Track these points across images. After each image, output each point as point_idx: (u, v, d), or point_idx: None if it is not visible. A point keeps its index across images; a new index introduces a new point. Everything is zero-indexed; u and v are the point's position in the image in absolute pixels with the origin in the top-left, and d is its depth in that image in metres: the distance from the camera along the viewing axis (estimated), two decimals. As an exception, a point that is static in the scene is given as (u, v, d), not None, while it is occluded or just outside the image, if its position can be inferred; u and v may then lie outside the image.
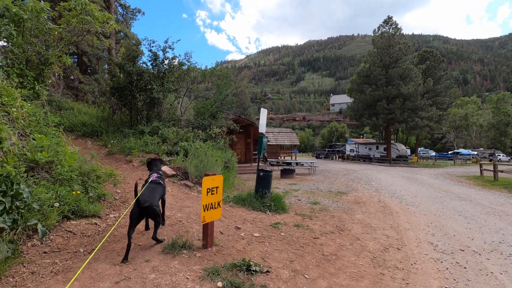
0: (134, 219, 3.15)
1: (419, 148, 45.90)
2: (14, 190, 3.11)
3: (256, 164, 22.23)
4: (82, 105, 15.37)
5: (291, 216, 6.09)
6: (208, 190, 3.51)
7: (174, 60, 11.72)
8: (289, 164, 18.69)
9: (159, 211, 3.38)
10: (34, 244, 3.29)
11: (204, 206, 3.44)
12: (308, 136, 76.37)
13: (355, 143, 40.27)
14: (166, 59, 11.09)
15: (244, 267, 3.11)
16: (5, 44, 6.01)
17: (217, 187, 3.65)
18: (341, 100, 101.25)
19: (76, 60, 26.81)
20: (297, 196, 9.09)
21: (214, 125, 11.81)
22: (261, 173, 6.49)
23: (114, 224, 4.14)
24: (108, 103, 12.63)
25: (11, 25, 5.62)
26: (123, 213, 4.55)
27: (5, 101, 4.59)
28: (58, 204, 3.63)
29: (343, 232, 5.12)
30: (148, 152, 8.65)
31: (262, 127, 6.72)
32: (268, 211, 6.10)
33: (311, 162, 19.30)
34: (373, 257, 4.02)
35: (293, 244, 4.19)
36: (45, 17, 6.29)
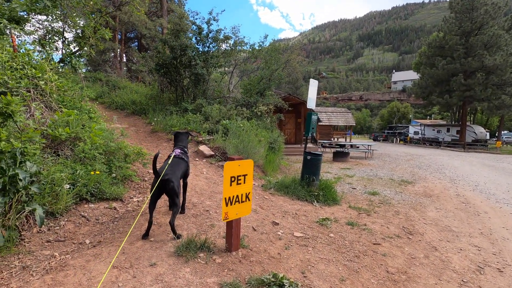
0: (153, 194, 2.79)
1: (503, 132, 38.83)
2: (15, 171, 2.70)
3: (308, 145, 21.21)
4: (136, 84, 15.91)
5: (343, 209, 5.03)
6: (233, 179, 2.68)
7: (219, 34, 10.97)
8: (342, 146, 17.03)
9: (178, 189, 2.92)
10: (40, 231, 2.91)
11: (227, 199, 2.64)
12: (365, 117, 70.89)
13: (420, 124, 35.71)
14: (210, 32, 10.38)
15: (275, 286, 2.27)
16: (41, 17, 5.87)
17: (245, 175, 2.80)
18: (405, 77, 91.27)
19: (136, 44, 28.09)
20: (351, 184, 7.86)
21: (260, 103, 10.94)
22: (309, 157, 5.47)
23: (133, 210, 3.66)
24: (157, 82, 12.62)
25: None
26: (148, 197, 4.05)
27: (33, 72, 4.32)
28: (68, 186, 3.21)
29: (413, 237, 3.92)
30: (190, 130, 8.24)
31: (311, 102, 5.62)
32: (315, 201, 5.13)
33: (368, 145, 17.33)
34: (463, 282, 2.83)
35: (345, 252, 3.20)
36: None
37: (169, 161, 3.12)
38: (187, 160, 3.42)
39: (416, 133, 35.37)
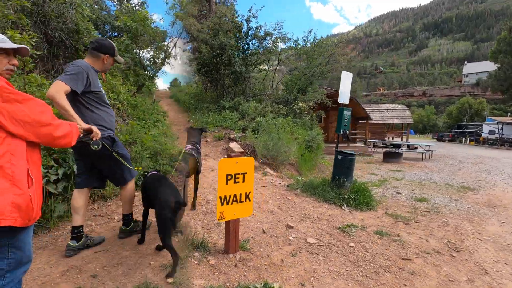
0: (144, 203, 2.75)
1: None
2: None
3: (354, 144, 19.78)
4: (187, 85, 16.82)
5: (377, 215, 4.47)
6: (229, 177, 2.50)
7: (259, 30, 10.88)
8: (396, 146, 15.46)
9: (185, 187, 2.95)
10: (92, 208, 3.48)
11: (222, 198, 2.47)
12: (428, 115, 63.97)
13: (497, 122, 30.78)
14: (250, 30, 10.35)
15: None
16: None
17: (244, 174, 2.59)
18: (479, 68, 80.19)
19: (190, 47, 29.73)
20: (396, 188, 7.05)
21: (299, 100, 10.53)
22: (339, 157, 4.99)
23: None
24: (201, 81, 13.09)
25: (126, 36, 6.79)
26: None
27: (110, 96, 5.06)
28: None
29: (457, 255, 3.26)
30: (225, 128, 8.32)
31: (343, 96, 5.12)
32: (344, 205, 4.66)
33: (426, 145, 15.49)
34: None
35: (362, 266, 2.77)
36: (149, 24, 7.52)
37: (179, 157, 3.15)
38: (196, 156, 3.36)
39: (491, 132, 30.57)
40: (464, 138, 32.68)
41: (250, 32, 10.27)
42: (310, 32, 12.72)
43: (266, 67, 14.52)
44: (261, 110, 8.79)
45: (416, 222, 4.31)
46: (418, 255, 3.15)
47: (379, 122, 24.62)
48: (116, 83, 5.86)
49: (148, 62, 8.62)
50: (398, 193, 6.43)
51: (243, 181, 2.60)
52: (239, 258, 2.57)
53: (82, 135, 1.99)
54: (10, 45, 1.48)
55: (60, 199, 3.15)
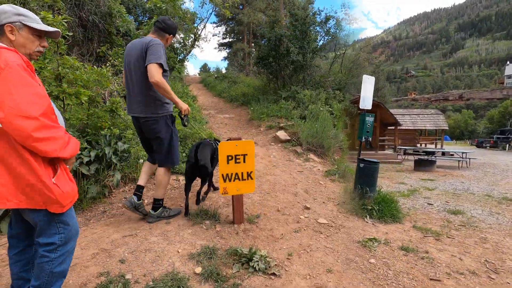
0: (187, 176, 2.87)
1: None
2: (110, 147, 3.30)
3: (383, 151, 17.66)
4: (251, 78, 16.20)
5: (404, 229, 3.90)
6: (230, 157, 2.59)
7: (317, 15, 9.93)
8: (429, 153, 13.66)
9: (209, 170, 2.85)
10: (124, 191, 3.54)
11: (224, 175, 2.60)
12: (466, 119, 56.24)
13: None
14: (306, 17, 9.50)
15: (244, 259, 2.13)
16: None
17: (244, 155, 2.64)
18: (526, 70, 67.36)
19: (264, 41, 28.33)
20: (428, 198, 6.26)
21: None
22: (362, 165, 4.31)
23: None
24: (264, 74, 12.54)
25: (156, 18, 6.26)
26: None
27: None
28: (142, 160, 3.70)
29: (497, 277, 2.83)
30: (280, 117, 7.97)
31: (365, 101, 4.48)
32: (367, 216, 4.23)
33: (463, 152, 13.62)
34: None
35: (383, 285, 2.42)
36: (178, 4, 6.78)
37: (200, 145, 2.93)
38: (215, 146, 3.11)
39: (540, 138, 25.89)
40: (508, 145, 28.11)
41: (307, 19, 9.42)
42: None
43: (333, 53, 12.60)
44: (315, 97, 8.30)
45: (449, 237, 3.79)
46: (450, 275, 2.73)
47: (410, 128, 22.06)
48: None
49: (177, 45, 7.69)
50: (430, 204, 5.75)
51: (244, 162, 2.65)
52: (243, 229, 2.65)
53: (183, 115, 2.32)
54: (44, 27, 1.34)
55: (93, 180, 3.05)
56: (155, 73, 2.10)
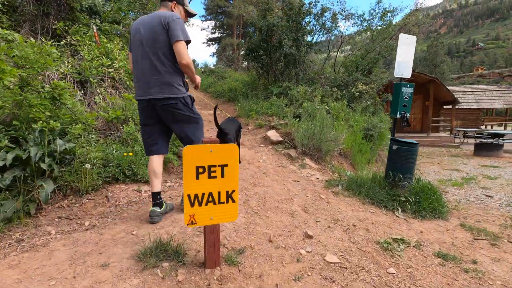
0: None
1: None
2: (41, 146, 2.69)
3: (437, 134, 16.75)
4: (240, 73, 16.34)
5: (446, 227, 3.19)
6: (200, 170, 1.79)
7: (313, 5, 9.53)
8: (495, 136, 12.10)
9: (234, 141, 3.54)
10: (61, 206, 2.90)
11: (192, 197, 1.81)
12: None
13: None
14: (302, 6, 9.09)
15: None
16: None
17: (223, 166, 1.86)
18: None
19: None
20: (487, 189, 5.30)
21: (360, 82, 8.96)
22: (395, 147, 3.75)
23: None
24: (254, 68, 12.41)
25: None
26: (177, 182, 3.58)
27: (103, 62, 4.53)
28: (89, 166, 3.04)
29: None
30: (270, 115, 7.52)
31: (401, 68, 3.80)
32: (398, 210, 3.46)
33: None
34: None
35: None
36: None
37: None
38: (239, 122, 4.06)
39: None
40: None
41: (303, 9, 9.03)
42: (378, 2, 10.69)
43: (327, 49, 13.03)
44: (310, 94, 7.66)
45: (511, 242, 2.89)
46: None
47: (474, 107, 20.24)
48: (114, 48, 4.82)
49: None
50: (489, 196, 4.78)
51: (222, 176, 1.87)
52: (218, 276, 1.91)
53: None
54: None
55: (10, 194, 2.47)
56: (186, 52, 2.17)
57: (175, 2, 2.40)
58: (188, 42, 2.20)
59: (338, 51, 13.49)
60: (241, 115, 8.03)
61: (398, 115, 3.83)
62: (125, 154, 3.44)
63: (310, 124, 5.53)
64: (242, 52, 15.38)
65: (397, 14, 10.35)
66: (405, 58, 3.76)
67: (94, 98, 4.09)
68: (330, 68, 13.57)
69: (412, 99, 3.90)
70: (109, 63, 4.58)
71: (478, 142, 11.44)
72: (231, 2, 22.80)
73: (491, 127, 23.14)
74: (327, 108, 7.06)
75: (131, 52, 2.38)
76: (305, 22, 9.35)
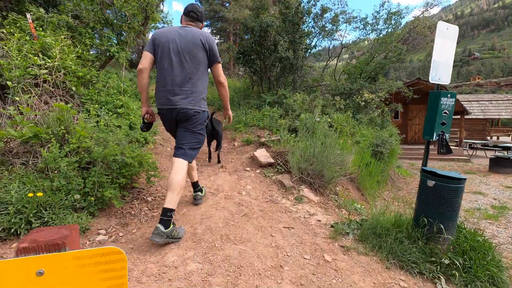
0: (209, 140, 4.50)
1: None
2: None
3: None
4: (236, 80, 15.34)
5: None
6: None
7: (313, 5, 8.59)
8: (507, 149, 11.11)
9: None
10: None
11: None
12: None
13: None
14: (300, 4, 8.13)
15: None
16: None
17: None
18: None
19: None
20: None
21: (365, 90, 7.93)
22: (431, 183, 2.59)
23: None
24: (247, 74, 11.42)
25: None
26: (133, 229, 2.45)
27: (34, 61, 3.42)
28: None
29: None
30: (262, 128, 6.42)
31: (439, 70, 2.74)
32: (442, 280, 2.32)
33: None
34: None
35: None
36: None
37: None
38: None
39: None
40: None
41: (300, 8, 8.08)
42: (383, 4, 9.80)
43: (326, 56, 12.17)
44: (309, 104, 6.60)
45: None
46: None
47: (480, 117, 19.55)
48: (55, 43, 3.75)
49: (121, 23, 5.22)
50: None
51: None
52: None
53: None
54: None
55: None
56: (221, 72, 2.51)
57: (202, 24, 2.64)
58: (220, 62, 2.49)
59: (338, 57, 12.65)
60: (227, 128, 6.94)
61: (435, 137, 2.74)
62: (30, 194, 2.31)
63: (309, 141, 4.43)
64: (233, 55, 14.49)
65: (404, 16, 9.44)
66: (444, 57, 2.69)
67: (10, 109, 2.97)
68: (330, 76, 12.69)
69: (453, 114, 2.83)
70: (43, 62, 3.47)
71: (493, 157, 10.45)
72: (227, 6, 22.21)
73: (497, 138, 22.46)
74: (329, 120, 6.00)
75: (156, 57, 2.38)
76: (303, 22, 8.37)
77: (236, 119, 6.71)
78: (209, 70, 2.55)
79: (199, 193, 3.07)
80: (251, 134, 5.99)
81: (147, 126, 2.61)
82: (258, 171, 4.26)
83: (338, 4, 9.98)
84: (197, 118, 2.44)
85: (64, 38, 4.13)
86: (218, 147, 4.41)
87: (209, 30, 27.45)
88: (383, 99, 7.60)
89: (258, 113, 7.17)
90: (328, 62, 12.91)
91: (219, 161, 4.53)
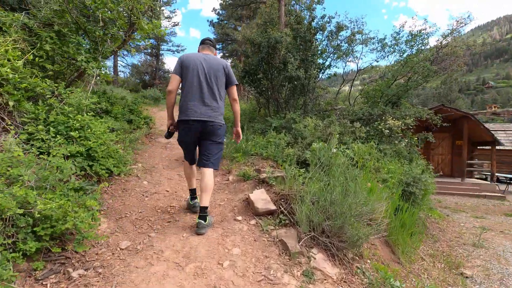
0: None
1: None
2: None
3: (470, 179, 14.36)
4: (242, 102, 14.53)
5: None
6: None
7: (327, 23, 7.75)
8: None
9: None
10: None
11: None
12: None
13: None
14: (313, 20, 7.28)
15: None
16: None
17: None
18: None
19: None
20: None
21: (389, 116, 6.78)
22: None
23: None
24: (253, 95, 10.56)
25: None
26: None
27: None
28: None
29: None
30: (265, 158, 5.32)
31: None
32: None
33: None
34: None
35: None
36: None
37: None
38: None
39: None
40: None
41: (313, 24, 7.22)
42: (403, 26, 8.90)
43: (340, 80, 11.30)
44: (323, 130, 5.49)
45: None
46: None
47: (508, 148, 18.18)
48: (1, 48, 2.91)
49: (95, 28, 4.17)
50: None
51: None
52: None
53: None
54: None
55: None
56: (236, 92, 2.95)
57: (216, 52, 3.11)
58: (237, 85, 2.96)
59: (353, 80, 11.71)
60: (224, 156, 5.87)
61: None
62: None
63: (325, 180, 3.27)
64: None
65: (429, 36, 8.47)
66: None
67: None
68: (343, 101, 11.70)
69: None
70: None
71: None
72: (240, 30, 22.25)
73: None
74: (347, 151, 4.85)
75: (182, 78, 2.76)
76: (316, 39, 7.49)
77: (234, 147, 5.64)
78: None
79: (202, 221, 2.75)
80: (251, 165, 4.88)
81: (170, 134, 3.01)
82: (253, 222, 3.09)
83: (355, 23, 9.15)
84: (221, 130, 2.86)
85: (13, 41, 3.25)
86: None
87: (221, 54, 27.48)
88: (411, 127, 6.42)
89: (262, 139, 6.10)
90: (341, 86, 11.99)
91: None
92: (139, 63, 26.78)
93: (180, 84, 2.81)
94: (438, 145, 14.98)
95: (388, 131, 6.16)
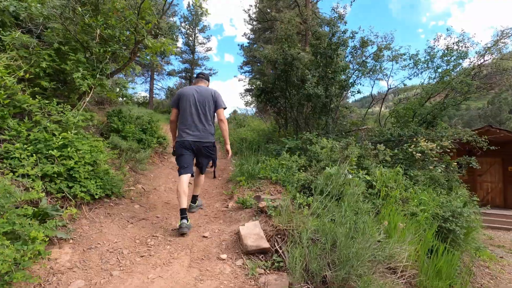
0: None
1: None
2: None
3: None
4: (260, 121, 14.13)
5: None
6: None
7: (350, 38, 7.25)
8: None
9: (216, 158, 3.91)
10: None
11: None
12: None
13: None
14: (333, 35, 6.84)
15: None
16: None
17: None
18: None
19: None
20: None
21: (421, 137, 5.92)
22: None
23: None
24: (271, 115, 10.19)
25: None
26: None
27: None
28: None
29: None
30: (274, 183, 4.78)
31: None
32: None
33: None
34: None
35: None
36: None
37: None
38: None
39: None
40: None
41: (334, 39, 6.76)
42: (438, 39, 8.10)
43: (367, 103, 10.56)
44: (340, 153, 4.86)
45: None
46: None
47: None
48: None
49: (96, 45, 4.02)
50: None
51: None
52: None
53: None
54: None
55: None
56: (223, 114, 3.49)
57: (208, 83, 3.73)
58: (225, 108, 3.50)
59: (383, 100, 10.90)
60: (233, 178, 5.43)
61: None
62: None
63: (331, 214, 2.67)
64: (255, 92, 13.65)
65: (468, 49, 7.54)
66: None
67: None
68: (374, 122, 10.88)
69: None
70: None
71: None
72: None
73: None
74: (368, 178, 4.16)
75: (179, 108, 3.45)
76: (338, 55, 6.97)
77: (242, 169, 5.20)
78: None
79: (185, 221, 3.07)
80: (255, 191, 4.37)
81: (175, 152, 3.45)
82: (239, 262, 2.56)
83: (382, 38, 8.55)
84: (212, 146, 3.49)
85: (7, 58, 3.22)
86: (214, 165, 4.15)
87: (248, 77, 27.74)
88: (448, 150, 5.50)
89: (275, 161, 5.60)
90: (370, 105, 11.19)
91: (214, 176, 4.26)
92: (174, 86, 28.18)
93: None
94: (486, 171, 13.23)
95: (420, 154, 5.32)
